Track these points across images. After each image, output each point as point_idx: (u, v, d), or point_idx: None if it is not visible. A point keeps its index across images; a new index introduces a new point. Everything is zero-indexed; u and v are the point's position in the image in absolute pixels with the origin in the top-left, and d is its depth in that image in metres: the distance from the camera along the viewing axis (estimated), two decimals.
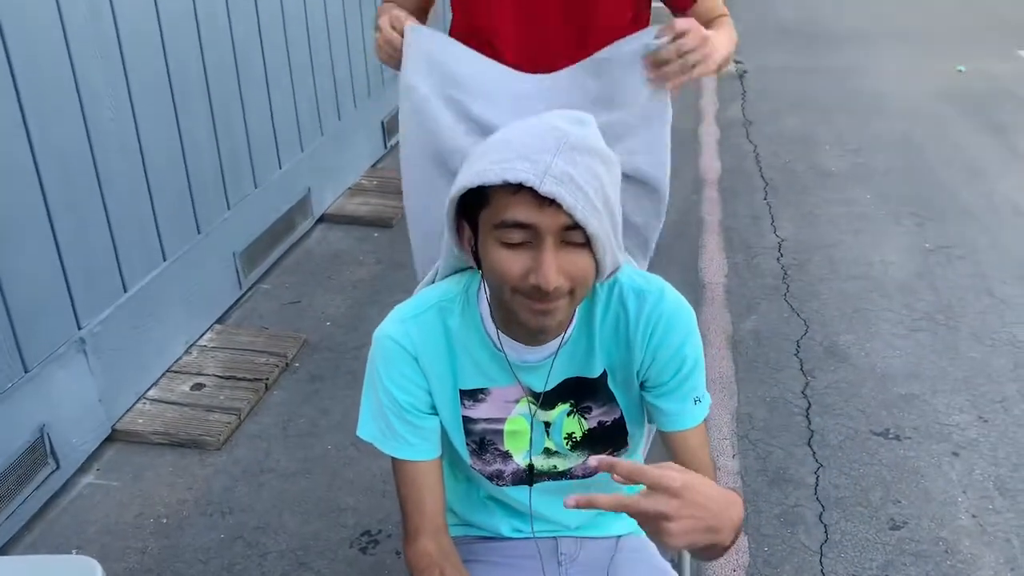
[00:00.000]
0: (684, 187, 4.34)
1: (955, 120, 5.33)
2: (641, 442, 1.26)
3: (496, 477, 1.21)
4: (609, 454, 1.21)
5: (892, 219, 4.01)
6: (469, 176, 0.97)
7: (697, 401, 1.15)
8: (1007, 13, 7.89)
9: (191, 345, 2.91)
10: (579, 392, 1.17)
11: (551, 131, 0.96)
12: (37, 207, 2.18)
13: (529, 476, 1.21)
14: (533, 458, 1.20)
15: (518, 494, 1.24)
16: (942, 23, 7.56)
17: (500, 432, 1.18)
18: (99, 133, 2.37)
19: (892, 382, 2.82)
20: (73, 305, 2.33)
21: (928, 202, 4.18)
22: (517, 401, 1.17)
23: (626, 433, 1.20)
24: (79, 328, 2.35)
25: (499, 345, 1.12)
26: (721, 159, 4.74)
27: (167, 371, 2.78)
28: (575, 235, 0.96)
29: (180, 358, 2.84)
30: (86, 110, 2.31)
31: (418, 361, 1.13)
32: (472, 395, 1.16)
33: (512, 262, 0.97)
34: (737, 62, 6.46)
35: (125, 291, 2.55)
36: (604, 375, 1.16)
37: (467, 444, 1.19)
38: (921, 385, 2.80)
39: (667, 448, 1.20)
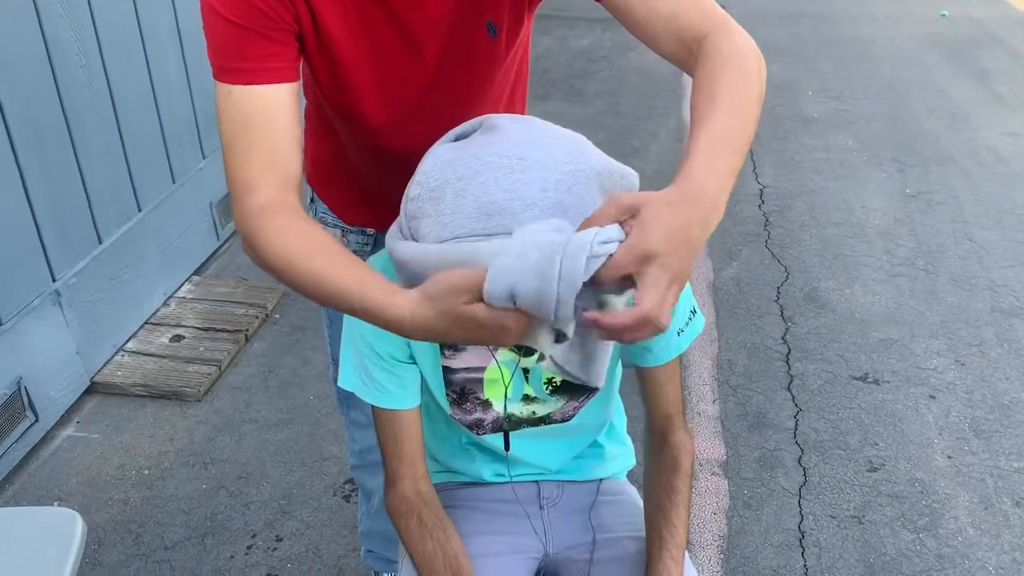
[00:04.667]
0: (667, 134, 4.31)
1: (938, 65, 5.30)
2: (617, 380, 1.26)
3: (476, 426, 1.21)
4: (586, 396, 1.21)
5: (874, 165, 4.00)
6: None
7: (680, 332, 1.16)
8: None
9: (169, 297, 2.88)
10: None
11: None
12: (5, 157, 2.12)
13: (507, 425, 1.21)
14: (512, 405, 1.20)
15: (498, 441, 1.24)
16: None
17: (480, 381, 1.18)
18: (68, 81, 2.31)
19: (871, 327, 2.84)
20: (47, 257, 2.29)
21: (910, 148, 4.17)
22: (495, 350, 1.16)
23: None
24: (54, 280, 2.32)
25: None
26: None
27: (145, 323, 2.75)
28: None
29: (158, 310, 2.81)
30: (52, 57, 2.24)
31: None
32: (452, 345, 1.15)
33: None
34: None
35: (100, 242, 2.51)
36: None
37: (447, 394, 1.19)
38: (900, 330, 2.83)
39: (637, 377, 1.22)
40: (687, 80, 5.03)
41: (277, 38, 1.01)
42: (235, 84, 1.00)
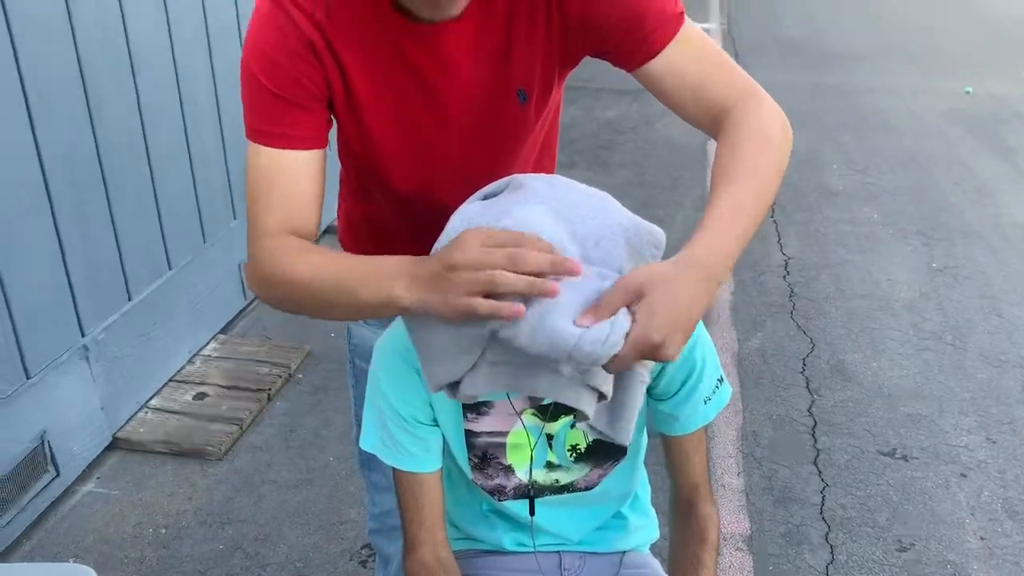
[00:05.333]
0: (692, 204, 4.33)
1: (963, 141, 5.32)
2: (642, 449, 1.25)
3: (498, 492, 1.20)
4: (611, 464, 1.19)
5: (899, 238, 3.99)
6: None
7: (707, 401, 1.15)
8: (1016, 34, 7.89)
9: (195, 354, 2.90)
10: None
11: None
12: (43, 212, 2.17)
13: (532, 491, 1.19)
14: (536, 472, 1.19)
15: (520, 508, 1.22)
16: (949, 44, 7.56)
17: (503, 446, 1.17)
18: (107, 140, 2.37)
19: (899, 402, 2.80)
20: (77, 312, 2.32)
21: (935, 222, 4.16)
22: (520, 413, 1.15)
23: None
24: (83, 335, 2.35)
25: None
26: None
27: (170, 380, 2.76)
28: None
29: (183, 367, 2.83)
30: (93, 115, 2.31)
31: (420, 373, 1.11)
32: (475, 408, 1.15)
33: None
34: None
35: (130, 299, 2.54)
36: None
37: (469, 458, 1.18)
38: (928, 405, 2.78)
39: (663, 446, 1.20)
40: (712, 150, 5.07)
41: (308, 106, 1.06)
42: (264, 146, 1.06)
